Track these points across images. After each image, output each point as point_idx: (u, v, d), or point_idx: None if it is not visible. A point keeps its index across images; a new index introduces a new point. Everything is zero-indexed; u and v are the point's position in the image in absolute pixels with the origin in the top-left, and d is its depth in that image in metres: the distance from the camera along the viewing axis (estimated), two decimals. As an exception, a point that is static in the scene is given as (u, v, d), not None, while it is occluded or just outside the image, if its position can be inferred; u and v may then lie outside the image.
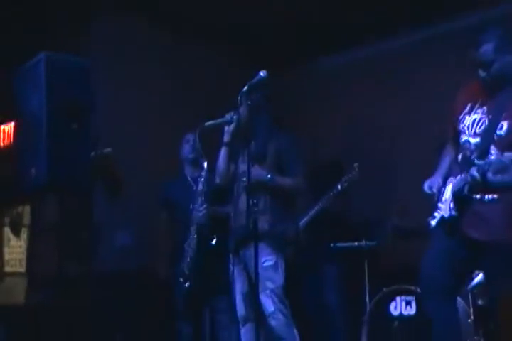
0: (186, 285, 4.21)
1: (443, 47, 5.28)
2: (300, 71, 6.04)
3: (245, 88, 3.53)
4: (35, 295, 4.53)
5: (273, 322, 3.73)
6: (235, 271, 3.89)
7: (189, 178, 4.55)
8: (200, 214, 4.21)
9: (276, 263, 3.80)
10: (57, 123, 3.42)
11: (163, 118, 5.20)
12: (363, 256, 4.71)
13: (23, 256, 4.51)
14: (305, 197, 4.64)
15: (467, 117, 3.19)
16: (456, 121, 3.24)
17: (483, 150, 3.03)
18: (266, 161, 3.88)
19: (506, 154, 2.85)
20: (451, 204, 3.09)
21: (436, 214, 3.15)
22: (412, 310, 4.27)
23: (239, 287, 3.89)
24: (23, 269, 4.50)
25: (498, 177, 2.85)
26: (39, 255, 4.46)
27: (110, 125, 4.57)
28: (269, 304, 3.74)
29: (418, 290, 4.23)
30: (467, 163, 3.04)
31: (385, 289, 4.40)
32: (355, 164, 4.71)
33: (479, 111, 3.17)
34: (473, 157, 3.04)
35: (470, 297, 3.96)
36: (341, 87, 5.87)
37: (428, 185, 3.23)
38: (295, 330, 3.79)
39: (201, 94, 5.49)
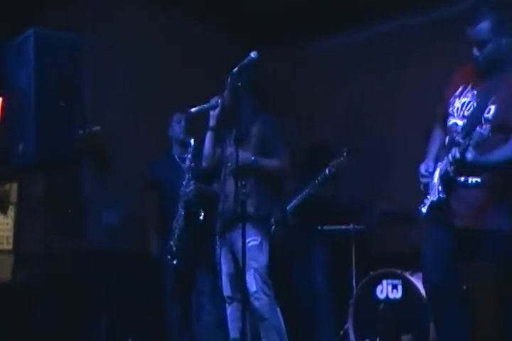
0: (174, 262, 4.24)
1: (435, 31, 5.26)
2: (291, 54, 6.02)
3: (236, 69, 3.51)
4: (21, 273, 4.52)
5: (256, 303, 3.75)
6: (222, 252, 3.91)
7: (177, 158, 4.55)
8: (188, 190, 4.24)
9: (261, 243, 3.82)
10: (46, 100, 3.39)
11: (153, 97, 5.19)
12: (350, 240, 4.74)
13: (10, 234, 4.49)
14: (292, 180, 4.66)
15: (457, 100, 3.20)
16: (447, 104, 3.24)
17: (468, 132, 3.03)
18: (250, 144, 3.88)
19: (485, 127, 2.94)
20: (440, 188, 3.09)
21: (425, 200, 3.15)
22: (398, 294, 4.29)
23: (225, 268, 3.91)
24: (10, 247, 4.49)
25: (477, 157, 2.90)
26: (26, 232, 4.44)
27: (99, 103, 4.54)
28: (252, 284, 3.75)
29: (404, 273, 4.28)
30: (453, 145, 3.05)
31: (371, 273, 4.43)
32: (344, 149, 4.72)
33: (469, 94, 3.17)
34: (457, 138, 3.05)
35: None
36: (332, 71, 5.86)
37: (425, 168, 3.22)
38: (278, 310, 3.81)
39: (190, 73, 5.47)
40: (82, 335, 4.49)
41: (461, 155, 2.92)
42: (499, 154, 2.99)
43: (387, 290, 4.34)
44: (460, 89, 3.21)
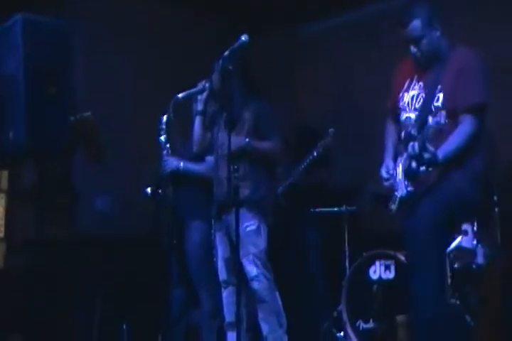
0: (174, 242, 4.27)
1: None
2: (279, 37, 6.00)
3: (227, 53, 3.51)
4: (13, 260, 4.53)
5: (256, 285, 3.79)
6: (217, 236, 3.94)
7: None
8: (166, 167, 4.24)
9: (258, 227, 3.85)
10: (36, 86, 3.37)
11: (144, 82, 5.18)
12: (343, 222, 4.76)
13: (2, 222, 4.49)
14: (284, 164, 4.67)
15: (406, 94, 3.28)
16: (396, 99, 3.32)
17: (421, 123, 3.12)
18: (242, 128, 3.89)
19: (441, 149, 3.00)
20: (406, 182, 3.16)
21: (393, 197, 3.21)
22: (390, 274, 4.33)
23: (220, 252, 3.94)
24: (1, 234, 4.49)
25: (435, 154, 2.96)
26: (18, 220, 4.44)
27: (91, 89, 4.53)
28: (251, 268, 3.79)
29: (397, 254, 4.32)
30: (409, 139, 3.10)
31: (364, 254, 4.47)
32: (331, 129, 4.74)
33: (416, 87, 3.26)
34: (413, 131, 3.11)
35: (447, 260, 4.04)
36: (321, 53, 5.85)
37: (385, 171, 3.29)
38: (277, 293, 3.86)
39: (180, 58, 5.45)
40: (75, 321, 4.52)
41: (419, 151, 2.97)
42: (452, 143, 3.08)
43: (380, 271, 4.38)
44: (407, 84, 3.30)
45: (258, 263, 3.80)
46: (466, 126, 3.11)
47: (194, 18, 5.72)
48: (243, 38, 3.49)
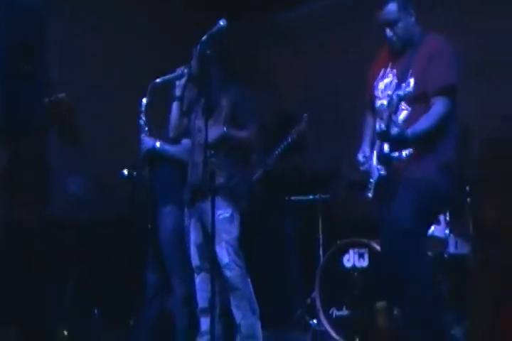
0: (148, 226, 4.26)
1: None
2: (257, 23, 5.97)
3: (205, 37, 3.52)
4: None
5: (228, 273, 3.80)
6: (190, 222, 3.93)
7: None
8: (143, 147, 4.23)
9: (232, 215, 3.85)
10: (8, 66, 3.33)
11: (120, 64, 5.15)
12: (317, 210, 4.78)
13: (-27, 204, 4.42)
14: (259, 151, 4.67)
15: (380, 83, 3.35)
16: (372, 88, 3.38)
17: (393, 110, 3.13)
18: (219, 114, 3.87)
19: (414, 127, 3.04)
20: (378, 166, 3.20)
21: (369, 185, 3.24)
22: (364, 262, 4.35)
23: (193, 238, 3.93)
24: (-29, 216, 4.43)
25: (403, 130, 3.02)
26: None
27: (66, 69, 4.48)
28: (224, 255, 3.79)
29: (371, 243, 4.35)
30: (382, 133, 3.11)
31: (338, 242, 4.47)
32: (305, 115, 4.75)
33: (390, 74, 3.33)
34: (384, 116, 3.13)
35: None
36: (297, 40, 5.85)
37: (362, 155, 3.33)
38: (249, 280, 3.86)
39: (158, 42, 5.43)
40: (47, 305, 4.48)
41: (386, 128, 3.02)
42: (423, 122, 3.13)
43: (353, 259, 4.39)
44: (382, 72, 3.37)
45: (230, 250, 3.81)
46: (438, 106, 3.16)
47: (173, 3, 5.67)
48: (221, 23, 3.51)
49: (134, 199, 4.37)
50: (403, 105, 3.18)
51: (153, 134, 4.32)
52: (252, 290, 3.86)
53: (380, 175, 3.19)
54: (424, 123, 3.13)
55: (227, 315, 3.94)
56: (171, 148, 4.26)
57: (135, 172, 4.32)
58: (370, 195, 3.22)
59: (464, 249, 4.18)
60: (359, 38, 5.45)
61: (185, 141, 4.21)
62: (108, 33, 5.18)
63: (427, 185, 3.18)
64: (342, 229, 4.74)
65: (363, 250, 4.37)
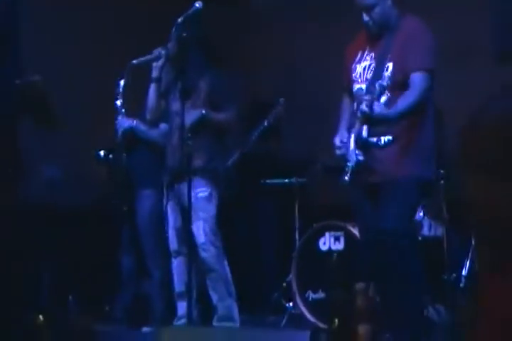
0: (125, 209, 4.24)
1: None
2: (230, 7, 5.93)
3: (180, 19, 3.52)
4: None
5: (203, 254, 3.81)
6: (169, 205, 3.93)
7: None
8: (119, 126, 4.24)
9: (210, 194, 3.88)
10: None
11: (96, 46, 5.08)
12: (293, 193, 4.79)
13: None
14: (235, 135, 4.67)
15: (358, 66, 3.34)
16: (349, 71, 3.38)
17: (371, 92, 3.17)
18: (197, 98, 3.88)
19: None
20: (356, 151, 3.18)
21: (346, 168, 3.21)
22: (340, 245, 4.39)
23: (172, 221, 3.94)
24: None
25: (384, 109, 3.06)
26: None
27: (41, 52, 4.42)
28: (200, 234, 3.81)
29: (347, 225, 4.39)
30: (362, 110, 3.15)
31: (314, 225, 4.51)
32: (281, 99, 4.75)
33: (368, 57, 3.32)
34: (363, 107, 3.13)
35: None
36: (271, 24, 5.83)
37: (339, 139, 3.29)
38: (225, 262, 3.89)
39: (134, 23, 5.37)
40: (21, 292, 4.45)
41: (368, 109, 3.04)
42: (403, 102, 3.14)
43: (329, 242, 4.43)
44: (359, 55, 3.36)
45: (207, 229, 3.82)
46: (417, 82, 3.16)
47: None
48: (197, 5, 3.55)
49: (110, 181, 4.35)
50: (379, 83, 3.15)
51: (131, 116, 4.31)
52: (228, 272, 3.88)
53: (358, 160, 3.17)
54: (406, 99, 3.15)
55: (204, 298, 3.96)
56: (149, 131, 4.25)
57: (111, 155, 4.30)
58: (346, 178, 3.21)
59: (438, 231, 4.25)
60: (335, 22, 5.45)
61: (163, 126, 4.20)
62: (83, 14, 5.11)
63: (412, 183, 3.21)
64: (318, 213, 4.78)
65: (338, 233, 4.41)
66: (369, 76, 3.27)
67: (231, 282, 3.89)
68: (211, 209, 3.87)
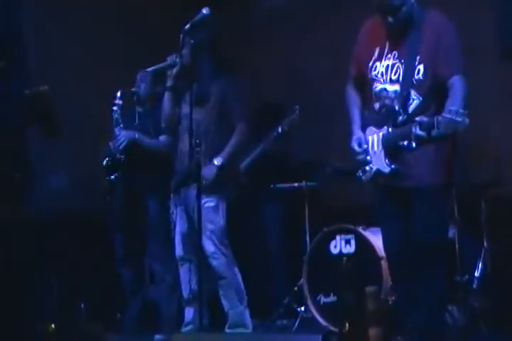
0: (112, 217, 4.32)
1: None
2: (240, 11, 6.00)
3: (188, 26, 3.57)
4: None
5: (214, 262, 3.89)
6: (177, 211, 3.99)
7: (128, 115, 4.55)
8: (117, 143, 4.29)
9: (217, 204, 3.93)
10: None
11: (103, 55, 5.14)
12: (303, 197, 4.85)
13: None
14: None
15: (378, 64, 3.20)
16: (366, 68, 3.23)
17: (404, 98, 3.09)
18: (209, 103, 3.94)
19: (451, 109, 2.84)
20: (387, 160, 3.11)
21: (367, 168, 3.17)
22: (351, 249, 4.44)
23: (179, 228, 4.00)
24: (-49, 212, 4.44)
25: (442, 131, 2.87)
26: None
27: (48, 62, 4.49)
28: (209, 245, 3.88)
29: (357, 228, 4.45)
30: (392, 114, 3.10)
31: (325, 229, 4.56)
32: (296, 106, 4.79)
33: (390, 56, 3.18)
34: (397, 107, 3.10)
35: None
36: (282, 28, 5.87)
37: (357, 143, 3.21)
38: (236, 269, 3.96)
39: (142, 30, 5.43)
40: (31, 300, 4.53)
41: (428, 135, 2.90)
42: (458, 99, 3.02)
43: (340, 246, 4.48)
44: (377, 51, 3.21)
45: (215, 239, 3.89)
46: (460, 86, 3.06)
47: None
48: (204, 11, 3.57)
49: (110, 194, 4.40)
50: (414, 94, 3.10)
51: (130, 127, 4.37)
52: (239, 278, 3.95)
53: (392, 169, 3.08)
54: (459, 99, 3.02)
55: (215, 304, 4.03)
56: (151, 140, 4.34)
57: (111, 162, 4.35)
58: (365, 178, 3.16)
59: (450, 232, 4.28)
60: (342, 25, 5.50)
61: (162, 138, 4.28)
62: (89, 25, 5.16)
63: (448, 187, 3.23)
64: (328, 216, 4.81)
65: (349, 236, 4.46)
66: (394, 77, 3.14)
67: (242, 289, 3.95)
68: (218, 219, 3.94)
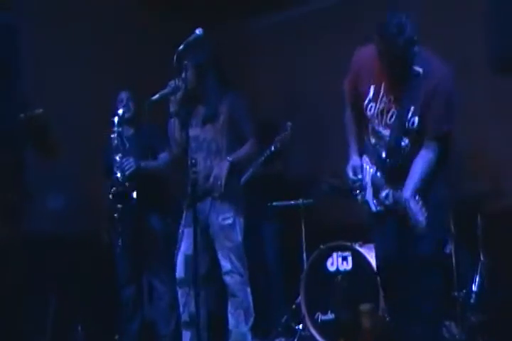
0: (119, 243, 4.38)
1: (375, 5, 5.41)
2: (234, 30, 6.10)
3: (181, 47, 3.60)
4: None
5: (228, 279, 3.95)
6: (185, 230, 3.98)
7: (124, 138, 4.61)
8: (126, 167, 4.36)
9: (234, 221, 3.99)
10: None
11: (98, 78, 5.20)
12: (300, 215, 4.92)
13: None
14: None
15: (373, 105, 3.23)
16: (362, 104, 3.26)
17: (395, 145, 3.19)
18: (218, 122, 4.00)
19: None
20: (375, 201, 3.26)
21: (359, 196, 3.32)
22: (348, 266, 4.51)
23: (184, 248, 3.99)
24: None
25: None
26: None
27: (42, 85, 4.54)
28: (226, 263, 3.94)
29: (354, 245, 4.52)
30: (379, 161, 3.25)
31: (321, 246, 4.63)
32: (288, 123, 4.85)
33: (385, 99, 3.20)
34: (384, 155, 3.22)
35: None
36: (275, 47, 5.97)
37: (353, 171, 3.31)
38: (249, 290, 4.01)
39: (135, 51, 5.50)
40: (28, 323, 4.57)
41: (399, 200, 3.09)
42: (417, 174, 3.15)
43: (337, 263, 4.54)
44: (373, 90, 3.22)
45: (233, 258, 3.95)
46: (430, 153, 3.17)
47: (149, 14, 5.75)
48: (197, 32, 3.61)
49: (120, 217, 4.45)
50: (405, 141, 3.18)
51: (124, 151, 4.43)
52: (250, 300, 3.99)
53: (377, 210, 3.25)
54: (417, 174, 3.15)
55: (214, 325, 4.07)
56: (154, 163, 4.44)
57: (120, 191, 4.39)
58: (359, 198, 3.30)
59: (447, 248, 4.36)
60: (337, 45, 5.61)
61: (163, 155, 4.37)
62: (83, 47, 5.24)
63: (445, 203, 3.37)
64: (325, 233, 4.87)
65: (346, 253, 4.52)
66: (389, 122, 3.19)
67: (251, 311, 3.99)
68: (236, 237, 3.98)
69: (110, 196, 4.41)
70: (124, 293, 4.55)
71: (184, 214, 4.04)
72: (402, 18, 3.01)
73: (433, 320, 3.24)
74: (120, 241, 4.39)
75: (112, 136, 4.41)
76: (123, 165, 4.38)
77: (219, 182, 3.88)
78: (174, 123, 4.03)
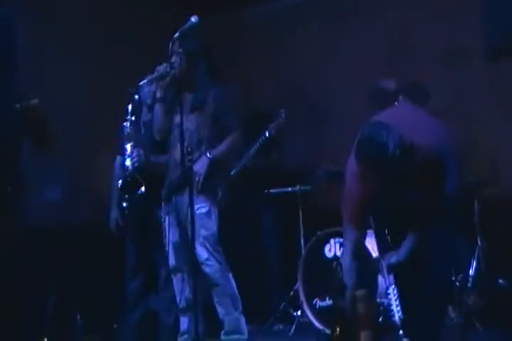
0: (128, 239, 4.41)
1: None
2: (231, 18, 6.12)
3: (177, 34, 3.62)
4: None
5: (207, 269, 3.94)
6: (168, 219, 4.04)
7: (141, 123, 4.52)
8: (136, 159, 4.34)
9: (209, 210, 3.99)
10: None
11: (94, 68, 5.20)
12: (297, 202, 4.98)
13: None
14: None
15: None
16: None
17: None
18: (202, 112, 4.01)
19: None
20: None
21: None
22: (345, 252, 4.58)
23: (171, 236, 4.04)
24: None
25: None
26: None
27: (38, 75, 4.54)
28: (202, 251, 3.93)
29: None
30: None
31: (319, 232, 4.68)
32: (282, 110, 4.91)
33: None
34: None
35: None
36: (273, 34, 5.99)
37: None
38: (230, 275, 4.01)
39: (132, 40, 5.49)
40: (27, 313, 4.62)
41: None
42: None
43: (335, 249, 4.60)
44: None
45: (208, 246, 3.94)
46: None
47: (144, 3, 5.75)
48: (193, 20, 3.63)
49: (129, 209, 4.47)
50: None
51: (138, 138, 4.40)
52: (234, 285, 4.00)
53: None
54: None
55: (209, 312, 4.12)
56: (164, 158, 4.42)
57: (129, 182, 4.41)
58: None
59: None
60: (331, 33, 5.65)
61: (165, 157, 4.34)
62: (81, 37, 5.23)
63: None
64: (322, 220, 4.88)
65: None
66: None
67: (237, 296, 4.00)
68: (211, 225, 3.99)
69: (119, 185, 4.42)
70: (129, 285, 4.56)
71: (163, 204, 4.07)
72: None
73: (442, 306, 3.35)
74: (130, 230, 4.41)
75: (125, 124, 4.37)
76: (133, 155, 4.37)
77: (197, 179, 3.89)
78: (159, 110, 4.04)
